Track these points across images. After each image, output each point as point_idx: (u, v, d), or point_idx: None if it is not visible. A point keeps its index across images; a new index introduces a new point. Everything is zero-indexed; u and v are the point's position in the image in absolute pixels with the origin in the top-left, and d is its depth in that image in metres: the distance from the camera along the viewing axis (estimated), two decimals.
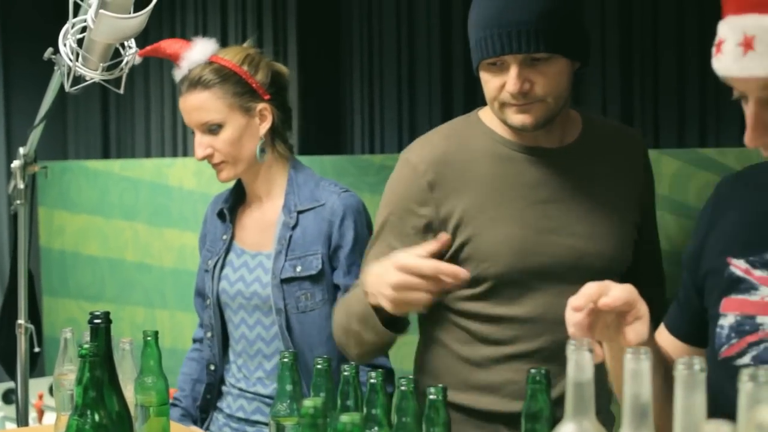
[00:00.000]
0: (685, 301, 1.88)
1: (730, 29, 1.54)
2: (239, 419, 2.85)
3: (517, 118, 2.30)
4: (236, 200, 2.94)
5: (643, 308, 1.65)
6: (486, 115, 2.43)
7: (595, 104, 3.72)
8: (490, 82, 2.31)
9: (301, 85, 4.51)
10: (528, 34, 2.22)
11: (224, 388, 2.91)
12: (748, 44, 1.50)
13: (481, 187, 2.35)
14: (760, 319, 1.66)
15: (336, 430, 1.28)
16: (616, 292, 1.64)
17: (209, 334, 2.91)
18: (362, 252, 2.71)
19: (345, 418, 1.27)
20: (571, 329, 1.67)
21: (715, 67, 1.58)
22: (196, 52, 2.83)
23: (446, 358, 2.44)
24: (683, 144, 3.51)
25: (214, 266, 2.88)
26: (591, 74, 3.73)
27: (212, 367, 2.92)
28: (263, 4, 4.77)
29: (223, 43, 4.70)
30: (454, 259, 2.34)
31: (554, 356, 2.29)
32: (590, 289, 1.67)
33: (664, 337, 1.93)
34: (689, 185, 3.27)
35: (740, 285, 1.70)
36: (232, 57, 2.82)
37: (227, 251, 2.89)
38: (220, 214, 2.94)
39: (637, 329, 1.65)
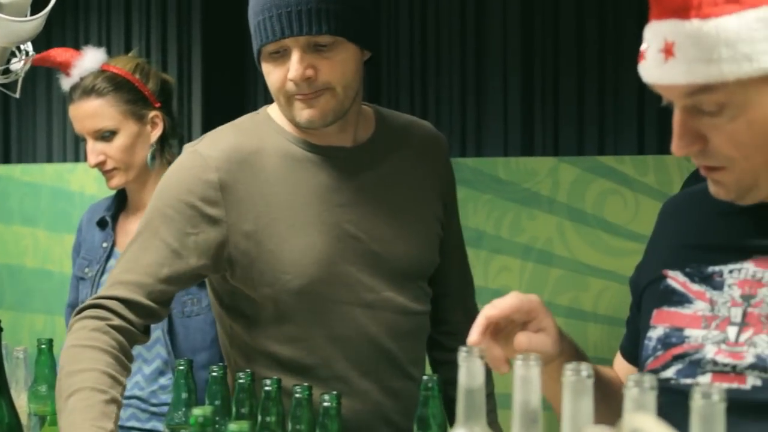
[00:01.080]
0: (631, 320, 1.82)
1: (652, 35, 1.51)
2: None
3: (305, 114, 2.12)
4: (118, 208, 2.94)
5: (546, 321, 1.59)
6: (275, 111, 2.23)
7: (496, 111, 3.75)
8: (272, 74, 2.12)
9: (206, 91, 4.49)
10: (310, 14, 2.05)
11: None
12: (668, 51, 1.47)
13: (274, 192, 2.15)
14: (687, 332, 1.61)
15: None
16: (501, 302, 1.57)
17: None
18: None
19: (233, 426, 1.26)
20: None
21: (640, 73, 1.55)
22: (87, 60, 2.85)
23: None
24: (582, 152, 3.55)
25: (95, 274, 2.86)
26: (492, 81, 3.76)
27: None
28: (167, 9, 4.73)
29: (128, 48, 4.67)
30: (249, 273, 2.16)
31: (376, 370, 2.21)
32: (481, 318, 1.58)
33: (619, 359, 1.86)
34: (587, 192, 3.31)
35: (674, 297, 1.66)
36: (123, 65, 2.85)
37: (108, 258, 2.87)
38: (101, 222, 2.92)
39: (531, 337, 1.58)
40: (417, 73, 4.03)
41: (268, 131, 2.20)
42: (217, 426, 1.41)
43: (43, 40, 2.43)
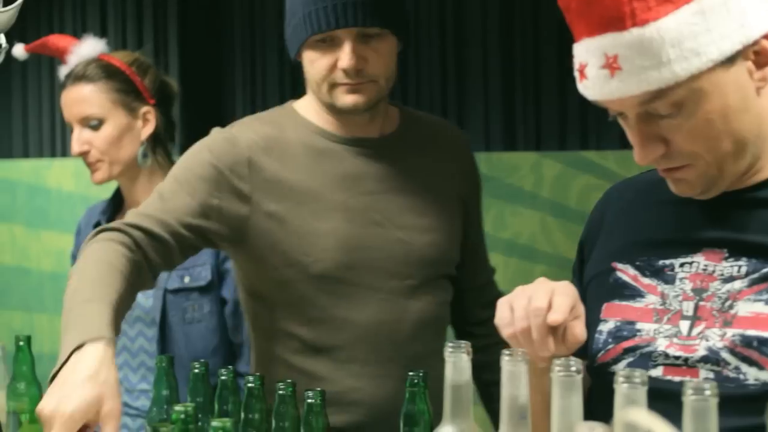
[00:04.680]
0: None
1: (587, 52, 1.52)
2: None
3: (349, 99, 2.19)
4: (114, 210, 2.87)
5: (580, 308, 1.57)
6: (301, 106, 2.32)
7: (477, 107, 3.73)
8: (318, 62, 2.19)
9: (183, 86, 4.45)
10: (364, 6, 2.14)
11: None
12: (612, 65, 1.48)
13: (299, 179, 2.20)
14: (639, 326, 1.61)
15: None
16: (561, 305, 1.53)
17: None
18: None
19: (216, 423, 1.24)
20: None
21: (583, 93, 1.55)
22: (86, 48, 2.79)
23: (284, 374, 2.16)
24: (564, 147, 3.54)
25: None
26: (473, 78, 3.74)
27: None
28: (143, 3, 4.69)
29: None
30: (271, 252, 2.21)
31: (394, 356, 2.23)
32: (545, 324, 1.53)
33: None
34: (570, 188, 3.30)
35: (625, 291, 1.66)
36: (121, 57, 2.78)
37: None
38: (97, 226, 2.85)
39: (580, 326, 1.56)
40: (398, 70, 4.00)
41: (292, 123, 2.27)
42: (199, 423, 1.39)
43: (17, 33, 2.38)
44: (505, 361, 1.39)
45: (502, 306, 1.57)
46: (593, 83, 1.52)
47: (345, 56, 2.15)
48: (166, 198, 2.15)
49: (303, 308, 2.22)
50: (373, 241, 2.21)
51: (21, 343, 2.18)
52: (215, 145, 2.21)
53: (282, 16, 4.22)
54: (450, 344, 1.46)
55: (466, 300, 2.43)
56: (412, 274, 2.24)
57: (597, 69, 1.51)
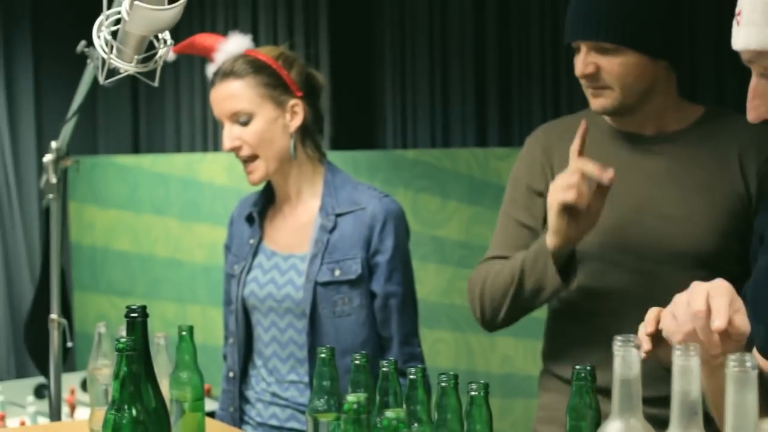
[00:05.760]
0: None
1: (739, 4, 1.56)
2: (272, 427, 2.79)
3: (593, 102, 2.42)
4: (266, 202, 2.91)
5: (738, 302, 1.57)
6: None
7: None
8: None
9: (333, 79, 4.49)
10: (599, 22, 2.33)
11: (251, 396, 2.86)
12: (737, 17, 1.53)
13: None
14: None
15: (382, 425, 1.26)
16: (717, 304, 1.54)
17: (231, 340, 2.87)
18: (402, 258, 2.71)
19: (390, 413, 1.24)
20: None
21: None
22: (232, 45, 2.82)
23: (557, 337, 2.56)
24: None
25: (241, 271, 2.84)
26: None
27: (231, 374, 2.86)
28: None
29: (254, 39, 4.69)
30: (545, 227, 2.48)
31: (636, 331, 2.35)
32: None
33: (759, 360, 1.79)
34: None
35: None
36: (267, 52, 2.81)
37: (255, 254, 2.85)
38: (249, 218, 2.90)
39: (742, 319, 1.56)
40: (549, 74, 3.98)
41: (594, 117, 2.51)
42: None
43: (170, 31, 2.41)
44: (677, 355, 1.36)
45: (666, 317, 1.60)
46: (732, 33, 1.56)
47: (578, 63, 2.39)
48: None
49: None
50: (629, 225, 2.40)
51: (183, 333, 2.22)
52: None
53: (431, 7, 4.24)
54: (619, 338, 1.44)
55: None
56: (662, 260, 2.39)
57: (734, 19, 1.55)
